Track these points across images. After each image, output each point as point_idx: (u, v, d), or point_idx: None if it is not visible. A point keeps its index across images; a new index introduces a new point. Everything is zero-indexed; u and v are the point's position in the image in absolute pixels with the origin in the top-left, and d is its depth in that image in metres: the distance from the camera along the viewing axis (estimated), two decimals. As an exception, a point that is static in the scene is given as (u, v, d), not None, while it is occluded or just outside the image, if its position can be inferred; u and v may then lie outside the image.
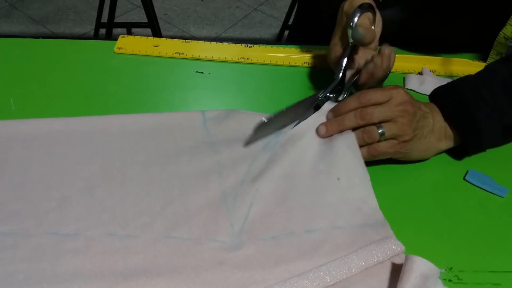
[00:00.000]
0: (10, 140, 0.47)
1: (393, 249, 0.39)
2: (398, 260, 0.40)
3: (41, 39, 0.65)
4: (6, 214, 0.40)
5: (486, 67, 0.54)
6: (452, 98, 0.49)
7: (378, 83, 0.52)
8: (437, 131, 0.49)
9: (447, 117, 0.49)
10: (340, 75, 0.52)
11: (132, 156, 0.47)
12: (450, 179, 0.50)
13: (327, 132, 0.48)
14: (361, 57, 0.53)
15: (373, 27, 0.53)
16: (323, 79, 0.60)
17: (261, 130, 0.43)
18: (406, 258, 0.37)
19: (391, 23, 0.67)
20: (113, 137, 0.49)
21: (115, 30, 1.55)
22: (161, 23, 1.71)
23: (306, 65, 0.64)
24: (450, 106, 0.49)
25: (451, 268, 0.41)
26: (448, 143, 0.50)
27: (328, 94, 0.51)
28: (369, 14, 0.53)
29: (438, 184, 0.49)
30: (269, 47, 0.66)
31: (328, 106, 0.50)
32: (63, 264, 0.37)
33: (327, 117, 0.49)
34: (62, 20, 2.06)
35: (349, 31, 0.51)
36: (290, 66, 0.64)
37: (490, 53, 0.64)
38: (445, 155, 0.52)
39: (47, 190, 0.43)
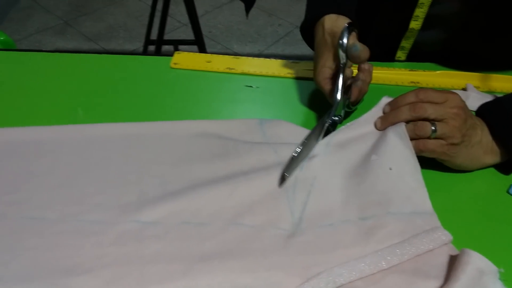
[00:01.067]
0: (89, 142, 0.53)
1: (443, 239, 0.42)
2: (446, 250, 0.42)
3: (105, 54, 0.71)
4: (92, 205, 0.45)
5: None
6: (498, 115, 0.50)
7: (362, 97, 0.55)
8: (484, 145, 0.50)
9: (493, 133, 0.50)
10: (339, 96, 0.53)
11: (198, 155, 0.51)
12: (493, 191, 0.50)
13: (382, 125, 0.50)
14: (348, 75, 0.55)
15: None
16: (369, 94, 0.63)
17: (292, 163, 0.47)
18: (463, 252, 0.39)
19: (433, 42, 0.69)
20: (180, 139, 0.53)
21: (163, 47, 1.62)
22: (206, 40, 1.78)
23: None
24: (497, 122, 0.50)
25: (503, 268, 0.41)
26: (494, 158, 0.51)
27: (333, 118, 0.52)
28: (354, 34, 0.54)
29: (480, 196, 0.50)
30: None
31: (385, 100, 0.52)
32: (145, 248, 0.41)
33: (384, 111, 0.52)
34: (113, 37, 2.18)
35: (340, 51, 0.51)
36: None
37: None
38: (489, 169, 0.53)
39: (126, 186, 0.48)
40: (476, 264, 0.37)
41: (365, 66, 0.53)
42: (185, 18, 2.27)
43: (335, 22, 0.55)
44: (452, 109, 0.47)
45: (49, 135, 0.53)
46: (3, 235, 0.42)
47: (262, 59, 0.71)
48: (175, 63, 0.69)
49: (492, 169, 0.53)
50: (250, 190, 0.47)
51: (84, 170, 0.49)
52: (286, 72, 0.68)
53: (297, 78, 0.67)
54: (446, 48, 0.69)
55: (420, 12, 0.64)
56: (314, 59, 0.58)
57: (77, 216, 0.44)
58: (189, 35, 2.15)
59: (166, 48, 1.68)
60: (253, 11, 1.41)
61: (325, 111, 0.61)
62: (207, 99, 0.63)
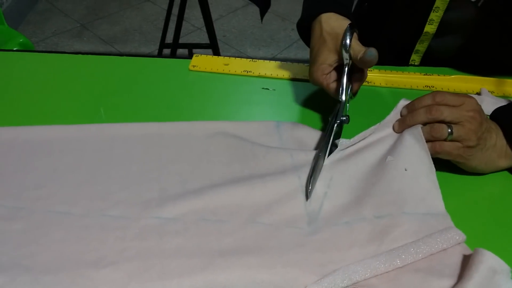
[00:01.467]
0: (111, 140, 0.55)
1: (456, 238, 0.42)
2: (459, 249, 0.43)
3: (126, 57, 0.73)
4: (115, 201, 0.47)
5: None
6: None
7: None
8: (499, 148, 0.51)
9: (508, 137, 0.51)
10: (344, 97, 0.54)
11: (216, 156, 0.53)
12: (507, 194, 0.51)
13: (400, 127, 0.51)
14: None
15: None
16: (381, 96, 0.63)
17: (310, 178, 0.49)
18: (476, 251, 0.40)
19: (448, 49, 0.70)
20: (199, 139, 0.55)
21: (178, 50, 1.65)
22: (220, 44, 1.80)
23: (366, 83, 0.67)
24: (511, 125, 0.51)
25: None
26: (508, 162, 0.52)
27: (341, 118, 0.53)
28: (355, 35, 0.55)
29: (493, 199, 0.50)
30: (330, 66, 0.71)
31: (403, 102, 0.53)
32: (166, 242, 0.43)
33: (401, 113, 0.53)
34: (128, 40, 2.21)
35: (344, 51, 0.53)
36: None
37: None
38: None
39: (147, 183, 0.49)
40: (489, 263, 0.38)
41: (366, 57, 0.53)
42: (199, 22, 2.30)
43: (335, 22, 0.56)
44: (468, 112, 0.48)
45: (73, 134, 0.55)
46: (31, 228, 0.44)
47: (278, 62, 0.72)
48: (193, 66, 0.71)
49: (506, 173, 0.53)
50: (267, 190, 0.48)
51: (107, 168, 0.51)
52: (302, 74, 0.69)
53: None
54: (460, 53, 0.70)
55: (435, 16, 0.65)
56: (311, 56, 0.58)
57: (101, 211, 0.46)
58: (203, 38, 2.18)
59: (180, 51, 1.71)
60: (267, 15, 1.42)
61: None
62: (224, 100, 0.65)
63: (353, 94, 0.58)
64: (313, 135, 0.56)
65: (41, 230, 0.43)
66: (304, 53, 2.12)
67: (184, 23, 1.58)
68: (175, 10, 1.56)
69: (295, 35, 2.23)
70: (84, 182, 0.49)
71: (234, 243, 0.43)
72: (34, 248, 0.42)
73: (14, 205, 0.46)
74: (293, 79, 0.69)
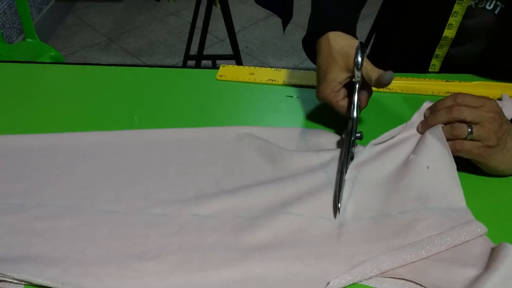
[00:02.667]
0: (149, 145, 0.59)
1: (478, 231, 0.45)
2: (481, 241, 0.45)
3: (157, 68, 0.77)
4: (155, 201, 0.51)
5: None
6: None
7: None
8: None
9: None
10: (355, 113, 0.55)
11: (247, 158, 0.57)
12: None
13: (423, 128, 0.53)
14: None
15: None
16: (404, 104, 0.66)
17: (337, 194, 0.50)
18: (501, 245, 0.42)
19: (468, 56, 0.72)
20: (230, 143, 0.59)
21: (202, 62, 1.69)
22: (242, 55, 1.84)
23: (388, 90, 0.70)
24: None
25: None
26: None
27: (356, 135, 0.54)
28: (364, 53, 0.56)
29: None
30: (353, 74, 0.73)
31: (427, 104, 0.56)
32: (205, 237, 0.46)
33: (424, 115, 0.55)
34: (154, 53, 2.27)
35: (356, 69, 0.54)
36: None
37: None
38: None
39: (185, 184, 0.53)
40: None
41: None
42: (221, 34, 2.35)
43: (344, 41, 0.57)
44: (488, 113, 0.50)
45: (113, 139, 0.59)
46: (79, 225, 0.48)
47: (302, 71, 0.75)
48: (220, 75, 0.74)
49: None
50: (297, 187, 0.51)
51: (146, 170, 0.55)
52: (326, 83, 0.72)
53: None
54: (480, 60, 0.71)
55: (454, 21, 0.67)
56: (319, 74, 0.59)
57: (143, 210, 0.49)
58: (226, 50, 2.23)
59: (204, 63, 1.75)
60: (288, 26, 1.46)
61: (363, 121, 0.64)
62: (250, 108, 0.68)
63: (360, 110, 0.58)
64: (337, 141, 0.59)
65: (88, 227, 0.47)
66: (325, 62, 2.15)
67: (207, 35, 1.62)
68: (199, 23, 1.61)
69: (316, 45, 2.26)
70: (126, 184, 0.53)
71: (267, 237, 0.46)
72: (83, 244, 0.46)
73: (63, 204, 0.50)
74: (315, 87, 0.71)
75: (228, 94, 0.71)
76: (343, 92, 0.58)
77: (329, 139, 0.60)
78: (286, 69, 0.76)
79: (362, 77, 0.55)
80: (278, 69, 0.76)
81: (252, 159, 0.56)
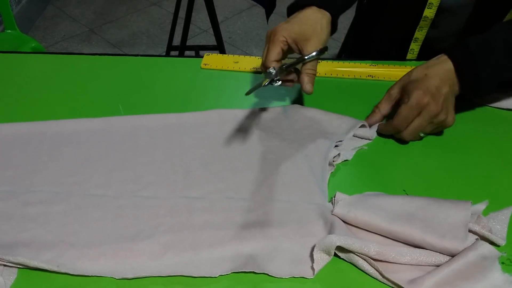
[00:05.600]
0: (135, 130, 0.60)
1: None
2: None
3: (141, 56, 0.78)
4: (145, 183, 0.52)
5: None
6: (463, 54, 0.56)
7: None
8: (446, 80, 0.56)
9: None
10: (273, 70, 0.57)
11: (233, 140, 0.58)
12: (506, 178, 0.55)
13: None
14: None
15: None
16: (383, 90, 0.68)
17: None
18: (475, 242, 0.43)
19: (445, 37, 0.74)
20: (215, 126, 0.60)
21: (185, 52, 1.69)
22: (226, 46, 1.84)
23: (370, 78, 0.72)
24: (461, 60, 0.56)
25: (505, 252, 0.45)
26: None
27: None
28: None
29: (493, 182, 0.54)
30: (335, 62, 0.75)
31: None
32: (195, 218, 0.48)
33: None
34: (136, 43, 2.26)
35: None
36: (354, 78, 0.72)
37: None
38: (502, 156, 0.57)
39: (172, 167, 0.54)
40: (480, 250, 0.42)
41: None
42: (204, 24, 2.35)
43: (299, 29, 0.59)
44: (428, 117, 0.55)
45: (99, 125, 0.60)
46: (71, 209, 0.49)
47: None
48: (205, 64, 0.75)
49: (506, 158, 0.57)
50: (283, 173, 0.53)
51: (134, 155, 0.56)
52: (309, 70, 0.73)
53: (318, 76, 0.72)
54: (457, 41, 0.74)
55: (435, 0, 0.69)
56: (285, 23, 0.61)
57: (133, 193, 0.51)
58: (209, 41, 2.23)
59: (187, 53, 1.75)
60: (272, 16, 1.47)
61: (343, 107, 0.65)
62: (235, 96, 0.69)
63: (305, 91, 0.58)
64: (318, 112, 0.63)
65: (80, 211, 0.48)
66: (308, 52, 2.17)
67: (190, 25, 1.62)
68: (182, 13, 1.60)
69: (298, 35, 2.28)
70: (115, 168, 0.54)
71: (257, 217, 0.48)
72: (76, 227, 0.47)
73: (52, 190, 0.51)
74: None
75: (212, 82, 0.72)
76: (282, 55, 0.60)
77: (308, 111, 0.63)
78: (270, 58, 0.77)
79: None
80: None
81: (238, 142, 0.58)
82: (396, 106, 0.59)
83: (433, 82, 0.55)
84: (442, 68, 0.56)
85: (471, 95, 0.58)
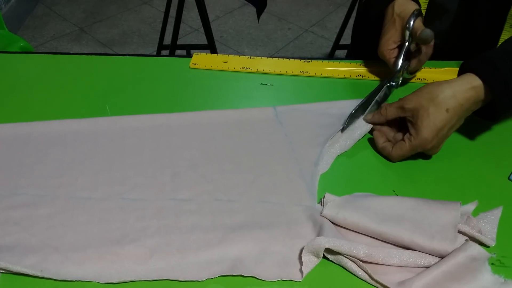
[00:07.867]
0: (122, 131, 0.59)
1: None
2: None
3: (129, 56, 0.77)
4: (132, 186, 0.51)
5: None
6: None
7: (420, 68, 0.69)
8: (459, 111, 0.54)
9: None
10: (399, 65, 0.64)
11: (223, 142, 0.57)
12: (495, 178, 0.55)
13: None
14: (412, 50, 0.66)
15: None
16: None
17: (353, 117, 0.59)
18: (464, 243, 0.42)
19: (437, 34, 0.74)
20: (204, 127, 0.60)
21: (176, 52, 1.68)
22: (217, 45, 1.83)
23: (360, 77, 0.72)
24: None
25: (495, 253, 0.45)
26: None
27: (391, 82, 0.65)
28: (420, 18, 0.63)
29: (482, 182, 0.54)
30: (325, 61, 0.75)
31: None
32: (183, 221, 0.47)
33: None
34: (127, 43, 2.24)
35: (407, 31, 0.63)
36: (345, 78, 0.72)
37: (504, 27, 0.70)
38: (491, 157, 0.57)
39: (160, 168, 0.53)
40: (469, 252, 0.41)
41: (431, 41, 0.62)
42: (196, 23, 2.33)
43: (403, 6, 0.65)
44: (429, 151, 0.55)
45: (85, 127, 0.59)
46: (56, 213, 0.48)
47: (275, 59, 0.76)
48: (194, 64, 0.74)
49: (495, 159, 0.57)
50: (272, 175, 0.53)
51: (121, 156, 0.55)
52: (298, 70, 0.73)
53: (309, 76, 0.72)
54: (448, 39, 0.74)
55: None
56: (381, 34, 0.68)
57: (119, 195, 0.50)
58: (200, 40, 2.22)
59: (178, 52, 1.74)
60: (263, 15, 1.46)
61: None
62: (224, 96, 0.68)
63: (410, 72, 0.68)
64: (309, 113, 0.63)
65: (65, 214, 0.48)
66: (301, 52, 2.16)
67: (181, 24, 1.61)
68: (173, 12, 1.59)
69: (291, 34, 2.27)
70: (101, 170, 0.53)
71: (245, 219, 0.47)
72: (60, 230, 0.46)
73: (37, 193, 0.50)
74: (290, 75, 0.73)
75: (201, 82, 0.71)
76: (397, 51, 0.66)
77: (296, 110, 0.63)
78: (260, 57, 0.76)
79: (412, 37, 0.63)
80: (252, 57, 0.76)
81: (227, 143, 0.57)
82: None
83: (450, 117, 0.53)
84: (467, 92, 0.53)
85: (493, 113, 0.57)
